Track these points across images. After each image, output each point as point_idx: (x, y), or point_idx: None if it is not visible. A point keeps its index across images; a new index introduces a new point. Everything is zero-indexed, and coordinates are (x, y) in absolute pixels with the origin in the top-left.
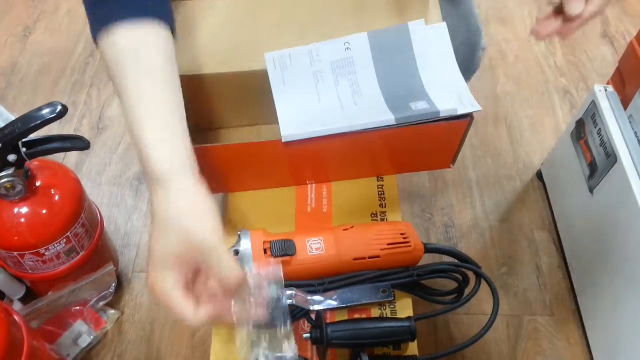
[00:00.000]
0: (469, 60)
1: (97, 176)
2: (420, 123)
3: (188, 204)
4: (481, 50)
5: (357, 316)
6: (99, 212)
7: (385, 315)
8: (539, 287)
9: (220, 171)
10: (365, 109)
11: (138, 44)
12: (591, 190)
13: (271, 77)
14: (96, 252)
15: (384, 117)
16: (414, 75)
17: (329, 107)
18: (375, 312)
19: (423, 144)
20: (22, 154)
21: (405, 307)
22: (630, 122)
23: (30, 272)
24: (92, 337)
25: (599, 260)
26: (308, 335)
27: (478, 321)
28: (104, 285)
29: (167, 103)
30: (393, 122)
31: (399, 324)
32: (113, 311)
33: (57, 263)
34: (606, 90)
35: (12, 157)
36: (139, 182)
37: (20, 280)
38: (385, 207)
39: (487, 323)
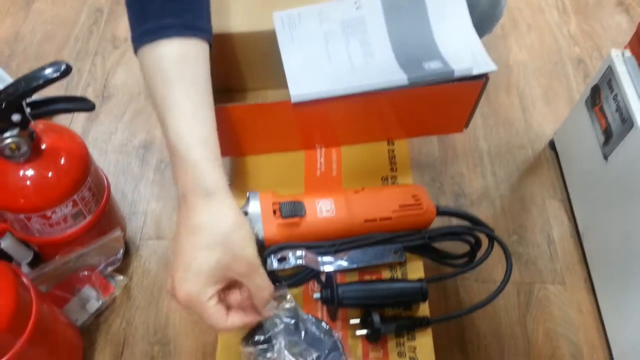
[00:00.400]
0: (493, 7)
1: (102, 144)
2: (433, 84)
3: (237, 221)
4: None
5: (367, 278)
6: (106, 178)
7: (396, 278)
8: (550, 256)
9: (227, 133)
10: (376, 69)
11: (183, 58)
12: (605, 157)
13: (279, 36)
14: (103, 217)
15: (396, 76)
16: (427, 34)
17: (339, 68)
18: (385, 275)
19: (435, 106)
20: (27, 114)
21: (416, 270)
22: None
23: (37, 235)
24: (100, 303)
25: (612, 227)
26: (318, 295)
27: (488, 289)
28: (111, 250)
29: (208, 119)
30: (405, 83)
31: (411, 284)
32: (121, 277)
33: (64, 226)
34: (623, 55)
35: (16, 117)
36: (145, 150)
37: (27, 245)
38: (396, 171)
39: (501, 283)
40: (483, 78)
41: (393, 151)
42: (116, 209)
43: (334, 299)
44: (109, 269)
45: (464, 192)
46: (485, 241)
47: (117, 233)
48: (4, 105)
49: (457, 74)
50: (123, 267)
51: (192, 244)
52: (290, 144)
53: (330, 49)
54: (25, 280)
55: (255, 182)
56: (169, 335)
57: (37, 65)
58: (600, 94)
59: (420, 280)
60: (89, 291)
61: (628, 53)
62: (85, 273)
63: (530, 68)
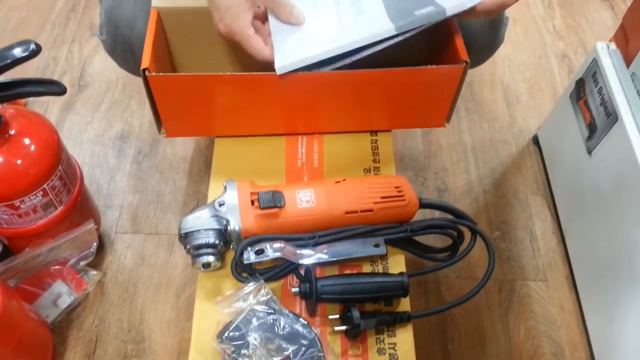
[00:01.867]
0: (492, 38)
1: (78, 134)
2: (424, 27)
3: None
4: (504, 25)
5: (347, 272)
6: (79, 167)
7: (377, 272)
8: (532, 253)
9: (207, 106)
10: (366, 25)
11: None
12: (589, 152)
13: None
14: (75, 208)
15: (384, 27)
16: None
17: (326, 30)
18: (366, 269)
19: (418, 91)
20: None
21: (397, 264)
22: (632, 80)
23: (5, 226)
24: (72, 298)
25: (595, 223)
26: (297, 289)
27: (469, 285)
28: (84, 244)
29: None
30: (393, 32)
31: (392, 278)
32: (95, 272)
33: (34, 217)
34: (608, 48)
35: None
36: (121, 141)
37: None
38: (379, 162)
39: (484, 276)
40: (463, 63)
41: (376, 142)
42: (90, 201)
43: (313, 294)
44: (82, 263)
45: (447, 187)
46: (468, 235)
47: (90, 225)
48: None
49: (450, 11)
50: (97, 261)
51: None
52: (272, 125)
53: (319, 9)
54: None
55: (236, 170)
56: (143, 333)
57: None
58: (585, 87)
59: (401, 274)
60: (60, 286)
61: (613, 46)
62: (57, 267)
63: (514, 62)
